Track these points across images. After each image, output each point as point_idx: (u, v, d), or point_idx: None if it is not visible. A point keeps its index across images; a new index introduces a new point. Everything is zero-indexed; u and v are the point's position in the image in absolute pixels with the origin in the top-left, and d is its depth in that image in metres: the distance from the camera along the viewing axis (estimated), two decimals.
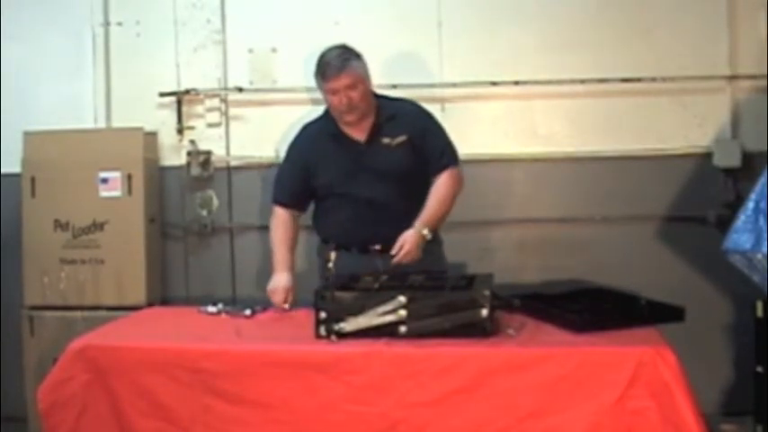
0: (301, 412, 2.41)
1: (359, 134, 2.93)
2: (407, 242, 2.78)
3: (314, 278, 2.92)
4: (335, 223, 2.95)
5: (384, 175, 2.90)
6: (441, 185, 2.90)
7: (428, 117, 3.01)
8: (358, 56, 2.91)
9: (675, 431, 2.26)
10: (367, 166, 2.91)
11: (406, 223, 2.82)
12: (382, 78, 3.27)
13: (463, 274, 2.86)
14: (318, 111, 3.58)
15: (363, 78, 2.89)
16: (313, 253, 3.15)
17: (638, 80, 3.52)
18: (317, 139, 2.99)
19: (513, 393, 2.34)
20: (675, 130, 3.56)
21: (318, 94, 3.60)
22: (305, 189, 3.00)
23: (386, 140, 2.91)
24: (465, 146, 3.11)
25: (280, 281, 2.91)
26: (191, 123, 3.72)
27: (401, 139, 2.91)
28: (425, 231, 2.82)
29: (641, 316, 2.68)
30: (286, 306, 2.87)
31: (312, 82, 3.59)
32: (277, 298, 2.89)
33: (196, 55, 3.71)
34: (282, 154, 3.63)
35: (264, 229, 3.68)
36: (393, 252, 2.78)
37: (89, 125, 3.72)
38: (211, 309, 3.00)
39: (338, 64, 2.84)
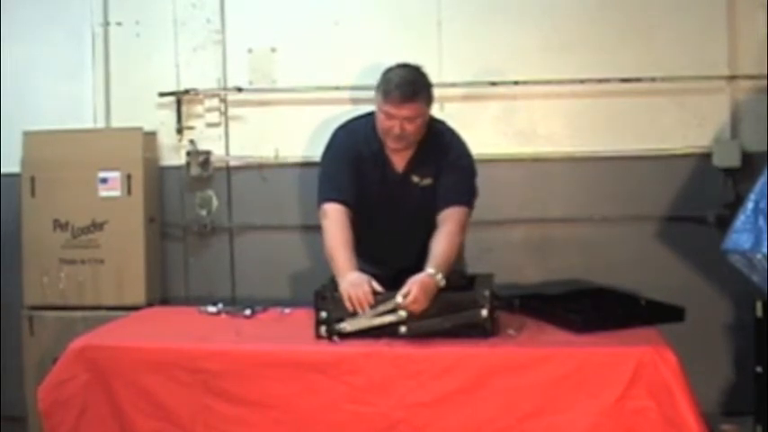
0: (302, 412, 2.42)
1: (398, 162, 2.78)
2: (415, 287, 2.45)
3: (314, 278, 2.91)
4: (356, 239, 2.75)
5: (408, 211, 2.81)
6: (448, 224, 2.68)
7: (457, 156, 2.81)
8: (428, 85, 2.72)
9: (675, 431, 2.26)
10: (395, 198, 2.80)
11: (421, 257, 2.61)
12: None
13: (463, 274, 2.86)
14: (319, 110, 3.61)
15: (425, 111, 2.71)
16: (314, 252, 3.14)
17: (638, 80, 3.51)
18: (364, 144, 2.79)
19: (513, 393, 2.35)
20: (675, 130, 3.55)
21: (320, 95, 3.64)
22: (357, 186, 2.78)
23: (415, 179, 2.78)
24: None
25: (359, 276, 2.55)
26: (190, 123, 3.72)
27: (427, 181, 2.77)
28: (439, 276, 2.50)
29: (641, 316, 2.69)
30: (371, 300, 2.47)
31: (312, 81, 3.65)
32: (366, 288, 2.48)
33: (195, 55, 3.71)
34: (283, 153, 3.66)
35: (264, 228, 3.72)
36: (401, 296, 2.45)
37: (89, 125, 3.71)
38: (211, 309, 3.01)
39: (406, 93, 2.63)
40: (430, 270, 2.51)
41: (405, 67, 2.73)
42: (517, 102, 3.61)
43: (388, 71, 2.72)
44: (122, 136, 3.58)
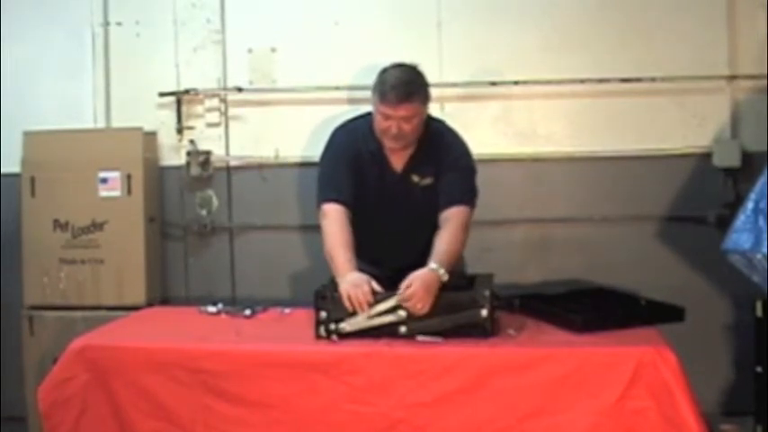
0: (302, 412, 2.42)
1: (397, 162, 2.79)
2: (417, 282, 2.47)
3: (314, 278, 2.91)
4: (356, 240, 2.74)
5: (407, 211, 2.81)
6: (451, 223, 2.69)
7: (457, 156, 2.81)
8: (424, 84, 2.73)
9: (675, 431, 2.26)
10: (394, 198, 2.81)
11: (420, 258, 2.61)
12: None
13: (463, 274, 2.85)
14: (318, 110, 3.61)
15: (422, 111, 2.71)
16: (314, 252, 3.14)
17: (638, 80, 3.51)
18: (363, 144, 2.80)
19: (513, 393, 2.35)
20: (675, 130, 3.55)
21: (320, 95, 3.64)
22: (356, 186, 2.78)
23: (416, 179, 2.79)
24: None
25: (359, 276, 2.55)
26: (190, 123, 3.72)
27: (427, 181, 2.78)
28: (442, 271, 2.51)
29: (641, 316, 2.69)
30: (371, 300, 2.48)
31: (312, 81, 3.65)
32: (366, 288, 2.49)
33: (196, 55, 3.71)
34: (283, 153, 3.66)
35: (264, 228, 3.72)
36: (401, 289, 2.48)
37: (89, 125, 3.71)
38: (211, 309, 3.01)
39: (402, 94, 2.63)
40: (432, 265, 2.52)
41: (400, 66, 2.73)
42: (517, 102, 3.61)
43: (384, 72, 2.72)
44: (122, 136, 3.58)
